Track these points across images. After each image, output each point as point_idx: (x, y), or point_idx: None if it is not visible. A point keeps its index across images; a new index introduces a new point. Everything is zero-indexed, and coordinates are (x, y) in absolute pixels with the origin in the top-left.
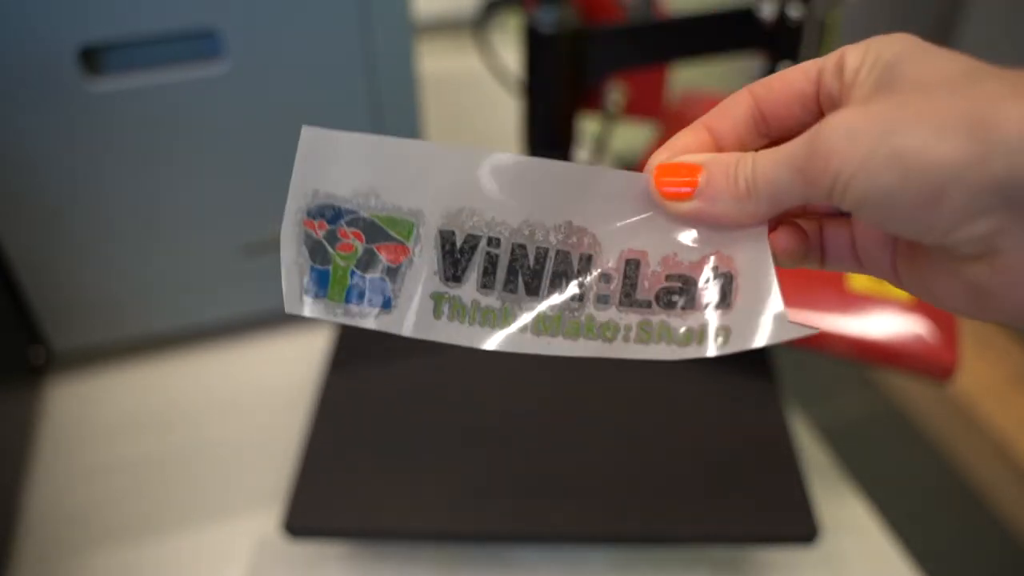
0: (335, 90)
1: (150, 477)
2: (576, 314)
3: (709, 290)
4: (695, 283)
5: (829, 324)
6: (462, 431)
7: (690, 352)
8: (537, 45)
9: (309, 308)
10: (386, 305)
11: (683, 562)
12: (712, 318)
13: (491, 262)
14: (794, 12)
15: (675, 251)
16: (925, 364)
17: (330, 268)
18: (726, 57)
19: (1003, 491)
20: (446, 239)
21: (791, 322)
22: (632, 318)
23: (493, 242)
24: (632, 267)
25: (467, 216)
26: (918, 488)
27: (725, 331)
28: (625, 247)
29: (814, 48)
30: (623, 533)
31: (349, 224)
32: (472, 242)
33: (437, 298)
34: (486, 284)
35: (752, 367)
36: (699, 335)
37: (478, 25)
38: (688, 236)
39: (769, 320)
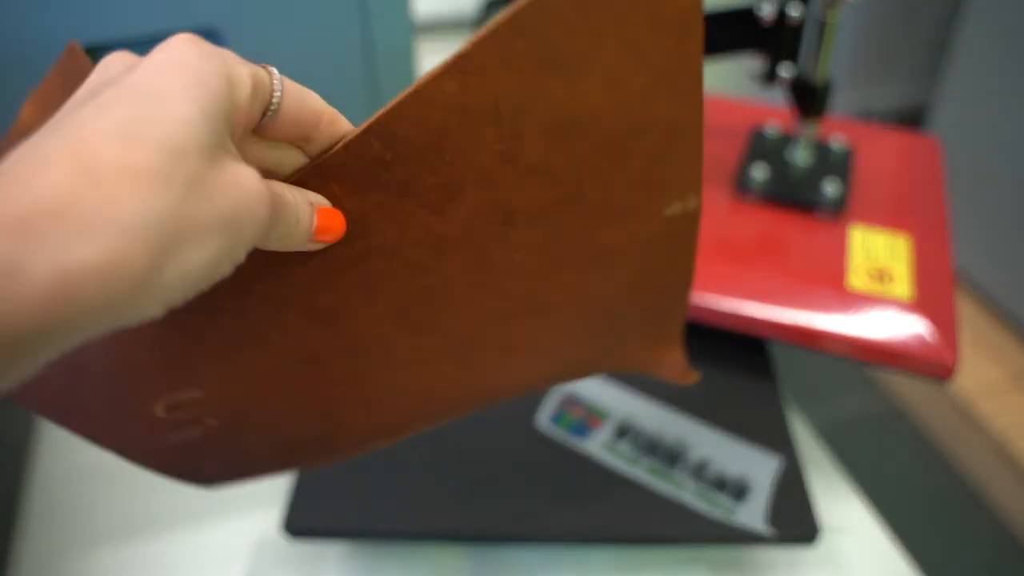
0: (336, 90)
1: (150, 477)
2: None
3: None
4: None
5: (829, 324)
6: (462, 430)
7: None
8: None
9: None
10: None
11: (683, 562)
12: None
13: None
14: (794, 12)
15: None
16: (925, 363)
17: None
18: (726, 57)
19: (1002, 490)
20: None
21: None
22: (690, 484)
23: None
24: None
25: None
26: (918, 488)
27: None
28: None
29: (814, 48)
30: (623, 533)
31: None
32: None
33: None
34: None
35: (752, 367)
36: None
37: (478, 25)
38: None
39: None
